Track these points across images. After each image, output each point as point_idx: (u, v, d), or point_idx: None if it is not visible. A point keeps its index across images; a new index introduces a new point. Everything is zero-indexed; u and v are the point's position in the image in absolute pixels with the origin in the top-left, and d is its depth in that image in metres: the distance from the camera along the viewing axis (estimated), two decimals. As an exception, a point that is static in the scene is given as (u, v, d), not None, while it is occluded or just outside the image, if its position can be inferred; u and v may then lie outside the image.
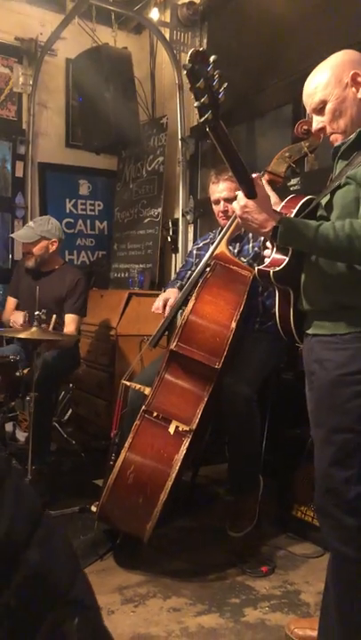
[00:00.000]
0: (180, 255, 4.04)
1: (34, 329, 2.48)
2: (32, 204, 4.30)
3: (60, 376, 2.99)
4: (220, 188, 2.58)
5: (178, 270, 2.93)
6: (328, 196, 1.53)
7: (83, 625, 0.49)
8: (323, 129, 1.58)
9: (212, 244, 2.62)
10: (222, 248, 2.39)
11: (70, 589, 0.50)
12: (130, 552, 2.20)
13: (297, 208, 1.63)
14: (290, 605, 1.92)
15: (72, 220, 4.53)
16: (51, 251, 3.12)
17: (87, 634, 0.49)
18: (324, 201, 1.55)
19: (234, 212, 2.48)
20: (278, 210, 1.64)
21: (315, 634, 1.64)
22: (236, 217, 2.45)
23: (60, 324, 3.04)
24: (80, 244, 4.60)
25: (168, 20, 3.99)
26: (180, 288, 2.68)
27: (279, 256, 1.59)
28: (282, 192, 2.93)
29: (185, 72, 1.36)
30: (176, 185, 4.08)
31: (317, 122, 1.59)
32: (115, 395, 3.49)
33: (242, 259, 2.53)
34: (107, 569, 2.11)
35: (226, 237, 2.41)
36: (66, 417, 4.04)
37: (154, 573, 2.09)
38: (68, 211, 4.51)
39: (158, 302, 2.56)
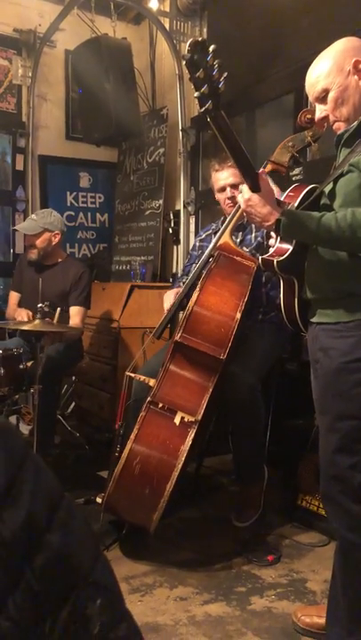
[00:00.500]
0: (181, 247, 4.03)
1: (37, 321, 2.48)
2: (33, 197, 4.29)
3: (63, 369, 3.00)
4: (224, 176, 2.57)
5: (183, 265, 2.93)
6: (331, 185, 1.53)
7: (105, 606, 0.49)
8: (326, 117, 1.58)
9: (215, 234, 2.61)
10: (226, 238, 2.39)
11: (92, 571, 0.50)
12: (136, 542, 2.21)
13: (300, 197, 1.64)
14: (296, 594, 1.93)
15: (73, 213, 4.52)
16: (53, 243, 3.11)
17: (109, 615, 0.49)
18: (327, 189, 1.55)
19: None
20: (282, 199, 1.64)
21: (322, 621, 1.66)
22: (239, 206, 2.46)
23: (65, 317, 3.04)
24: (81, 237, 4.58)
25: (168, 9, 3.97)
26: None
27: (284, 245, 1.60)
28: (285, 181, 2.93)
29: (184, 62, 1.36)
30: (177, 176, 4.06)
31: (320, 110, 1.59)
32: (118, 387, 3.50)
33: (244, 248, 2.53)
34: (113, 559, 2.12)
35: (230, 228, 2.40)
36: (69, 410, 4.05)
37: (160, 563, 2.10)
38: (68, 203, 4.50)
39: (167, 302, 2.55)
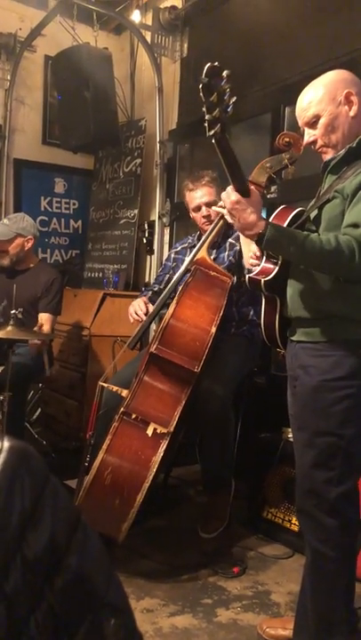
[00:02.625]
0: (155, 257, 4.06)
1: (9, 328, 2.46)
2: (6, 200, 4.25)
3: (34, 376, 2.97)
4: (199, 194, 2.60)
5: (156, 274, 2.95)
6: (316, 211, 1.58)
7: (119, 626, 0.51)
8: (313, 142, 1.63)
9: (191, 248, 2.65)
10: (203, 253, 2.43)
11: (107, 592, 0.52)
12: (103, 553, 2.20)
13: (288, 220, 1.67)
14: (261, 606, 1.96)
15: (46, 218, 4.50)
16: (26, 248, 3.09)
17: (123, 635, 0.51)
18: (312, 215, 1.60)
19: (216, 216, 2.53)
20: (270, 220, 1.67)
21: (286, 633, 1.69)
22: (217, 223, 2.50)
23: (34, 322, 3.02)
24: (54, 243, 4.56)
25: (150, 22, 4.01)
26: (152, 297, 2.69)
27: (269, 265, 1.64)
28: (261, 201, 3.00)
29: (200, 85, 1.37)
30: (153, 187, 4.10)
31: (309, 135, 1.64)
32: (86, 395, 3.49)
33: None
34: (80, 570, 2.11)
35: (207, 243, 2.45)
36: (35, 416, 4.01)
37: (127, 574, 2.10)
38: (42, 208, 4.47)
39: (133, 309, 2.56)
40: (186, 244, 2.83)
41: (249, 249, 2.37)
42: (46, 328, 2.99)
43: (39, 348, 2.85)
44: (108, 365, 2.99)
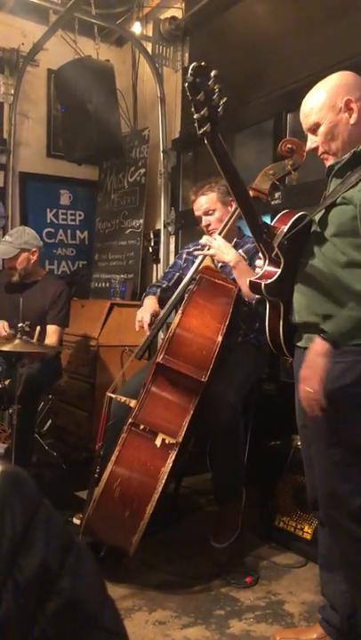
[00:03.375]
0: (161, 266, 4.07)
1: (17, 341, 2.46)
2: (12, 213, 4.28)
3: (42, 388, 2.98)
4: (197, 205, 2.62)
5: (166, 270, 2.92)
6: (322, 212, 1.56)
7: None
8: (315, 149, 1.64)
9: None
10: (208, 262, 2.43)
11: (102, 616, 0.51)
12: (114, 565, 2.20)
13: (290, 223, 1.65)
14: (274, 616, 1.94)
15: (53, 230, 4.53)
16: (32, 261, 3.11)
17: None
18: (317, 217, 1.58)
19: (218, 224, 2.53)
20: (272, 224, 1.67)
21: None
22: (223, 229, 2.50)
23: (43, 335, 3.03)
24: (60, 254, 4.59)
25: (150, 34, 4.04)
26: (160, 296, 2.68)
27: (271, 268, 1.62)
28: (264, 208, 2.99)
29: (186, 84, 1.39)
30: (158, 196, 4.11)
31: (311, 141, 1.65)
32: (96, 406, 3.49)
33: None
34: (91, 583, 2.10)
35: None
36: (45, 427, 4.01)
37: (138, 586, 2.10)
38: (48, 220, 4.50)
39: (140, 316, 2.55)
40: (199, 247, 2.82)
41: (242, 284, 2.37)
42: (54, 340, 3.00)
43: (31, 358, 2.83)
44: (117, 375, 2.99)
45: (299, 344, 1.63)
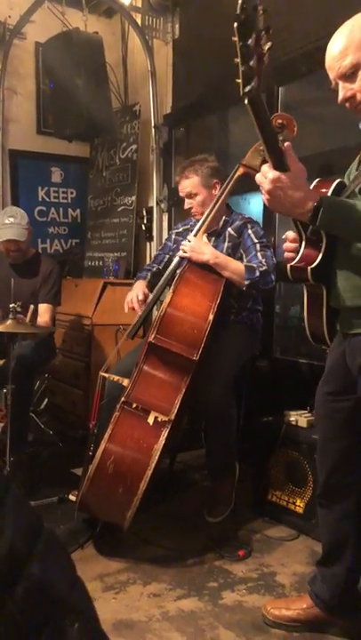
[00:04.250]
0: (154, 243, 4.05)
1: (9, 322, 2.47)
2: (3, 192, 4.23)
3: (36, 367, 2.98)
4: (181, 187, 2.61)
5: (156, 253, 2.93)
6: None
7: (82, 630, 0.52)
8: (352, 97, 1.37)
9: (191, 231, 2.63)
10: (198, 240, 2.41)
11: (69, 598, 0.53)
12: (110, 540, 2.24)
13: (330, 192, 1.46)
14: (266, 587, 1.99)
15: (44, 209, 4.48)
16: (29, 240, 3.09)
17: (87, 638, 0.52)
18: (358, 187, 1.41)
19: (200, 208, 2.52)
20: None
21: (290, 613, 1.72)
22: (212, 210, 2.49)
23: (35, 314, 3.02)
24: (53, 233, 4.55)
25: (140, 4, 3.95)
26: (151, 280, 2.69)
27: (311, 250, 1.43)
28: (256, 184, 2.97)
29: (235, 25, 1.09)
30: (150, 173, 4.06)
31: (345, 89, 1.38)
32: (91, 384, 3.51)
33: None
34: (87, 557, 2.15)
35: (202, 230, 2.43)
36: (42, 406, 4.04)
37: (134, 560, 2.14)
38: (40, 199, 4.46)
39: (129, 297, 2.56)
40: (188, 226, 2.81)
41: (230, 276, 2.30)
42: (46, 319, 2.99)
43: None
44: (111, 354, 3.00)
45: (351, 331, 1.46)
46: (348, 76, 1.35)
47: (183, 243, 2.43)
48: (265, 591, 1.96)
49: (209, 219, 2.45)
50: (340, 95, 1.39)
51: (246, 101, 1.18)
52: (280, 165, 1.29)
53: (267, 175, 1.29)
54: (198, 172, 2.55)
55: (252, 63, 1.10)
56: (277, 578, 2.05)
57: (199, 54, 3.63)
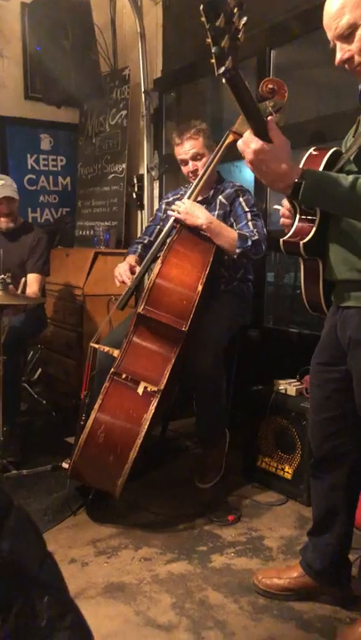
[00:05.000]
0: (145, 212, 4.01)
1: (-1, 293, 2.46)
2: (-8, 159, 4.16)
3: (26, 339, 2.99)
4: (185, 149, 2.55)
5: (147, 225, 2.91)
6: (358, 150, 1.37)
7: (51, 603, 0.54)
8: (350, 59, 1.32)
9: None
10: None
11: (39, 573, 0.55)
12: (102, 507, 2.29)
13: (322, 166, 1.42)
14: (253, 550, 2.05)
15: (34, 177, 4.41)
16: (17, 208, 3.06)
17: (55, 610, 0.55)
18: (352, 155, 1.38)
19: (203, 170, 2.48)
20: (301, 166, 1.43)
21: (281, 582, 1.76)
22: (203, 176, 2.46)
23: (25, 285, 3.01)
24: (43, 201, 4.49)
25: None
26: (142, 253, 2.68)
27: (304, 223, 1.41)
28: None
29: (201, 7, 1.05)
30: (140, 140, 3.99)
31: (343, 50, 1.33)
32: (84, 354, 3.52)
33: None
34: (80, 524, 2.20)
35: (192, 198, 2.41)
36: (35, 376, 4.07)
37: (125, 526, 2.19)
38: (29, 166, 4.38)
39: (117, 271, 2.55)
40: (178, 195, 2.78)
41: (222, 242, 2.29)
42: (34, 289, 2.98)
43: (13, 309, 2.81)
44: (101, 325, 3.00)
45: (343, 304, 1.46)
46: (346, 37, 1.30)
47: (176, 203, 2.39)
48: (253, 554, 2.02)
49: (201, 184, 2.43)
50: (338, 56, 1.34)
51: (224, 80, 1.14)
52: (262, 138, 1.26)
53: (249, 145, 1.25)
54: (201, 134, 2.53)
55: (223, 44, 1.07)
56: (265, 541, 2.11)
57: (190, 14, 3.51)
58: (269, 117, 1.33)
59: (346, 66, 1.34)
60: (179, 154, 2.59)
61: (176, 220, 2.36)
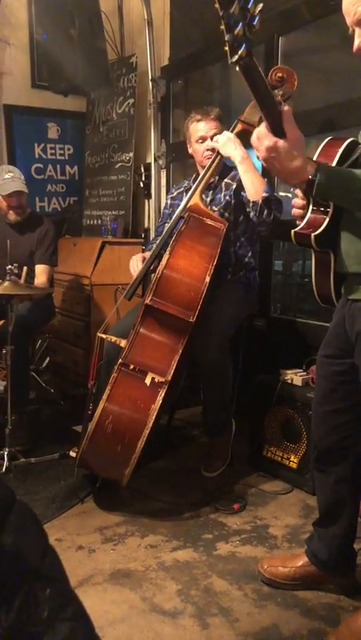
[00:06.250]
0: (153, 201, 4.00)
1: (6, 283, 2.48)
2: (-1, 148, 4.16)
3: (34, 328, 3.02)
4: (207, 127, 2.56)
5: (156, 226, 2.92)
6: None
7: (53, 594, 0.56)
8: None
9: (187, 192, 2.60)
10: (196, 199, 2.39)
11: (41, 566, 0.57)
12: (109, 494, 2.32)
13: (337, 157, 1.40)
14: (258, 539, 2.07)
15: (42, 165, 4.41)
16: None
17: (57, 601, 0.57)
18: None
19: (214, 155, 2.47)
20: (315, 159, 1.41)
21: (286, 570, 1.78)
22: (211, 166, 2.45)
23: (32, 275, 3.03)
24: (51, 191, 4.49)
25: None
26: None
27: (317, 215, 1.40)
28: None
29: None
30: (147, 128, 3.97)
31: None
32: (92, 343, 3.54)
33: (214, 207, 2.54)
34: (87, 511, 2.24)
35: (200, 188, 2.41)
36: (44, 365, 4.11)
37: (132, 514, 2.22)
38: (37, 155, 4.38)
39: (132, 266, 2.56)
40: (182, 189, 2.79)
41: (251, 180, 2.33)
42: (43, 280, 3.00)
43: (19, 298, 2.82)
44: (109, 314, 3.02)
45: (352, 297, 1.45)
46: None
47: (216, 138, 2.42)
48: (257, 542, 2.05)
49: (208, 174, 2.45)
50: (356, 43, 1.30)
51: (238, 68, 1.10)
52: (276, 129, 1.22)
53: (263, 142, 1.22)
54: (220, 121, 2.59)
55: (237, 31, 1.03)
56: (270, 530, 2.14)
57: (197, 1, 3.48)
58: (285, 107, 1.27)
59: None
60: (197, 130, 2.58)
61: (184, 210, 2.36)
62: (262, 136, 1.23)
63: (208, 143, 2.54)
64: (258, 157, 1.31)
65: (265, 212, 2.33)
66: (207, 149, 2.55)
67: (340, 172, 1.29)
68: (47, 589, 0.55)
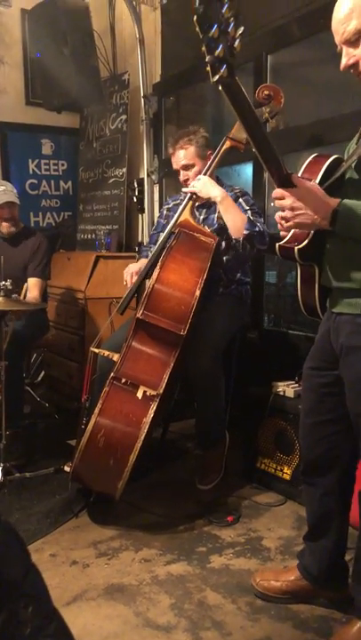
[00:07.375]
0: (146, 215, 4.04)
1: (0, 299, 2.50)
2: (-6, 164, 4.21)
3: (28, 343, 3.03)
4: (176, 159, 2.60)
5: (150, 234, 2.94)
6: (356, 174, 1.39)
7: (35, 612, 0.57)
8: (355, 64, 1.33)
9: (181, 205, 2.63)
10: (186, 215, 2.42)
11: (23, 584, 0.58)
12: (103, 508, 2.33)
13: (321, 173, 1.44)
14: (252, 551, 2.08)
15: (36, 181, 4.46)
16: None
17: (39, 619, 0.58)
18: (354, 162, 1.40)
19: (195, 179, 2.51)
20: (300, 174, 1.45)
21: (278, 584, 1.78)
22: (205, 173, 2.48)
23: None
24: (45, 206, 4.54)
25: (126, -33, 3.83)
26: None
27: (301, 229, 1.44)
28: (242, 156, 2.94)
29: (195, 18, 1.06)
30: (140, 144, 4.02)
31: (348, 56, 1.33)
32: (86, 357, 3.56)
33: (206, 227, 2.56)
34: (81, 525, 2.24)
35: (190, 205, 2.44)
36: (38, 379, 4.12)
37: (126, 527, 2.23)
38: (31, 171, 4.43)
39: (126, 275, 2.59)
40: (178, 200, 2.81)
41: (232, 219, 2.37)
42: (35, 294, 3.02)
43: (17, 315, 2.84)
44: (102, 329, 3.04)
45: (336, 310, 1.47)
46: (352, 42, 1.31)
47: (192, 184, 2.43)
48: (251, 555, 2.05)
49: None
50: (343, 62, 1.34)
51: (220, 87, 1.13)
52: (281, 179, 1.30)
53: (283, 203, 1.31)
54: (193, 142, 2.56)
55: (217, 53, 1.06)
56: (263, 542, 2.14)
57: (188, 20, 3.53)
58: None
59: (351, 71, 1.36)
60: (173, 163, 2.65)
61: (175, 226, 2.39)
62: (285, 200, 1.31)
63: (182, 175, 2.59)
64: (289, 226, 1.37)
65: (247, 248, 2.41)
66: (182, 181, 2.60)
67: (356, 207, 1.32)
68: (30, 607, 0.56)
